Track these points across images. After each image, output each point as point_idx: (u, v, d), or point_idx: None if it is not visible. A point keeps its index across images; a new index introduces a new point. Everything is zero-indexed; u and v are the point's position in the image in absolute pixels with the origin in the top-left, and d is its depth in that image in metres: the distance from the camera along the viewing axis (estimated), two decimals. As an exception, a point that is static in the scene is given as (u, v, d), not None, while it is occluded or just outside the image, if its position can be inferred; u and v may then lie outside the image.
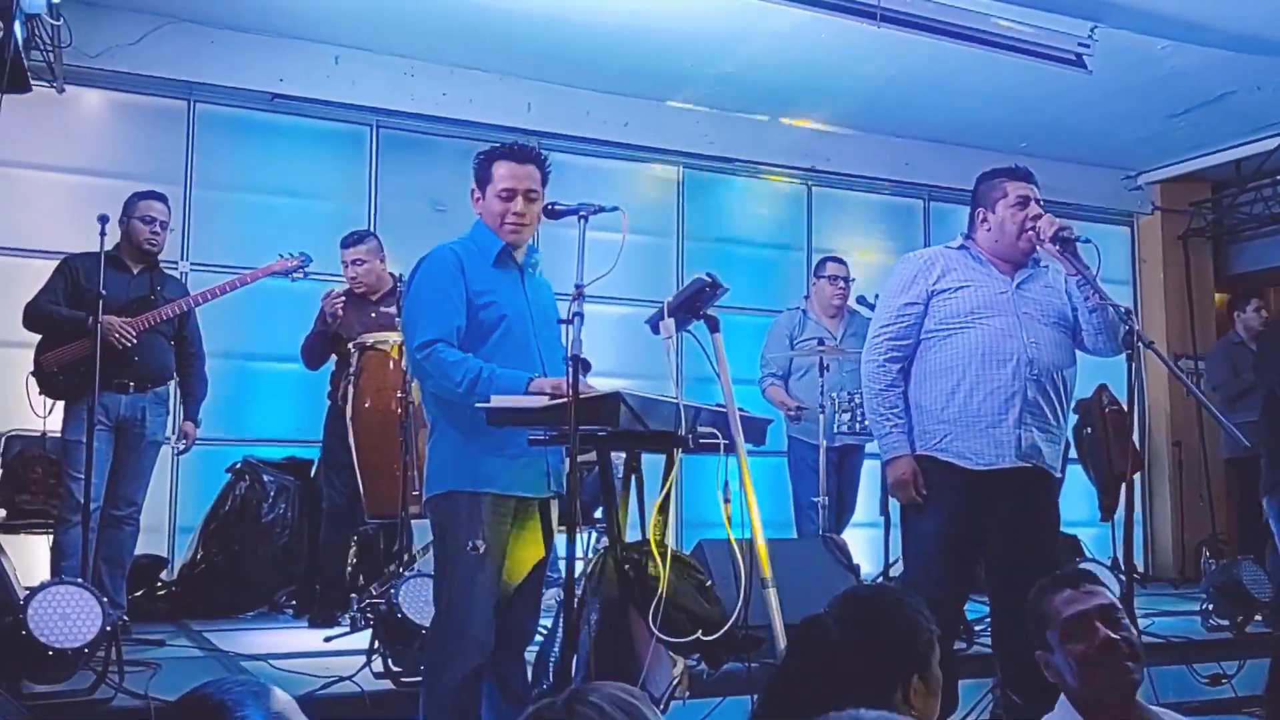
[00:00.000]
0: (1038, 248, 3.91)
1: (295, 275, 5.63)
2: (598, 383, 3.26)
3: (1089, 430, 7.92)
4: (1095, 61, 6.45)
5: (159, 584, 6.13)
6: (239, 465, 6.31)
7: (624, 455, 3.60)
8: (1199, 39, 6.57)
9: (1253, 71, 7.03)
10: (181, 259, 6.54)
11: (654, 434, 3.22)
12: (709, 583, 3.35)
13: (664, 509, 3.43)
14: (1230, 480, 8.54)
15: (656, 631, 3.09)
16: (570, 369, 3.01)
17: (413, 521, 5.28)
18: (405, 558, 5.15)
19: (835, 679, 2.22)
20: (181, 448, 5.58)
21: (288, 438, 6.67)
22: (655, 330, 3.32)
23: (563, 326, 3.62)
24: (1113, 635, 2.41)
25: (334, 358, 5.82)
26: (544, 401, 3.10)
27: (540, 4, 6.24)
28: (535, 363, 3.48)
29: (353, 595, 5.44)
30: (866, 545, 6.78)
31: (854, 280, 6.60)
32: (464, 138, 7.08)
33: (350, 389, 5.35)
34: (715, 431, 3.27)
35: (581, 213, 3.36)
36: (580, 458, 3.66)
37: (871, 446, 6.57)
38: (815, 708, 2.24)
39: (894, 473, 3.82)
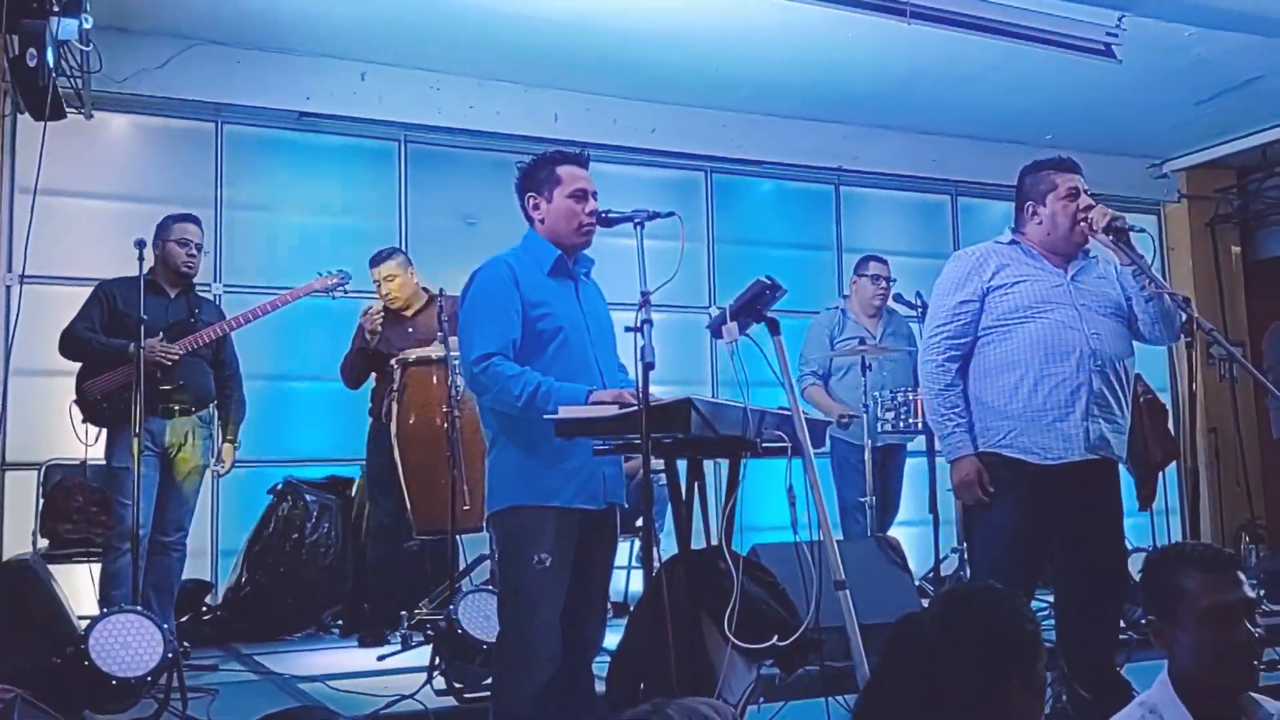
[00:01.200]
0: (1090, 239, 3.88)
1: (336, 293, 5.62)
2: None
3: (1125, 420, 7.85)
4: (1123, 50, 6.40)
5: (204, 608, 6.09)
6: (280, 486, 6.27)
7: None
8: (1225, 23, 6.51)
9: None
10: (214, 281, 6.52)
11: (722, 439, 3.18)
12: (781, 587, 3.32)
13: (730, 514, 3.40)
14: (1269, 464, 8.46)
15: (732, 638, 3.06)
16: (641, 375, 2.98)
17: (461, 536, 5.26)
18: (457, 573, 5.13)
19: (936, 681, 2.19)
20: (222, 470, 5.56)
21: (328, 456, 6.65)
22: (717, 335, 3.28)
23: (617, 334, 3.61)
24: (1254, 633, 2.40)
25: (374, 375, 5.81)
26: (613, 410, 3.07)
27: (564, 13, 6.22)
28: (593, 372, 3.45)
29: (402, 613, 5.42)
30: (911, 544, 6.72)
31: (895, 280, 6.55)
32: (492, 150, 7.07)
33: (395, 405, 5.32)
34: (782, 435, 3.23)
35: (637, 219, 3.33)
36: (627, 466, 3.68)
37: (914, 445, 6.58)
38: (915, 710, 2.23)
39: (959, 473, 3.77)
